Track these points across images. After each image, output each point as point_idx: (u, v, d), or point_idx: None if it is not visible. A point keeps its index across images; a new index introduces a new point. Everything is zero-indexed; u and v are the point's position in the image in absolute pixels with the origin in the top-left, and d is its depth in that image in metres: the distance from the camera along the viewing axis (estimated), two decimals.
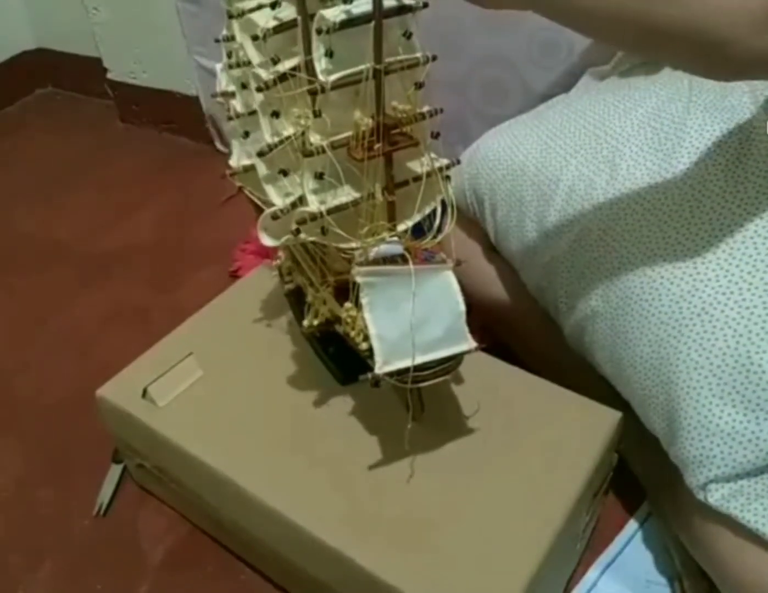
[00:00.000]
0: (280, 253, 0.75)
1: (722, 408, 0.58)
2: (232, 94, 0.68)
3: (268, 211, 0.59)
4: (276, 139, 0.57)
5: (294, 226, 0.56)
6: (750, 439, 0.57)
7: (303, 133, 0.56)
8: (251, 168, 0.68)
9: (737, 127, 0.64)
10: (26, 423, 0.97)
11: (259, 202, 0.65)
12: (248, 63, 0.63)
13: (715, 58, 0.51)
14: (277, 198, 0.60)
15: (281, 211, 0.59)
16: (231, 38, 0.65)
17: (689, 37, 0.50)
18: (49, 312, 1.16)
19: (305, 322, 0.67)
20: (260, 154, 0.58)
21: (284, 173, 0.58)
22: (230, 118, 0.68)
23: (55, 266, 1.26)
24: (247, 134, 0.67)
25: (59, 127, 1.74)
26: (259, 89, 0.56)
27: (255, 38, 0.55)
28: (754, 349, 0.57)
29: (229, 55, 0.67)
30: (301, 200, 0.58)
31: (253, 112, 0.66)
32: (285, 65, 0.55)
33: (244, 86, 0.65)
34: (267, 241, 0.60)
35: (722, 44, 0.50)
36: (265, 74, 0.56)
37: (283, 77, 0.55)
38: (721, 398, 0.58)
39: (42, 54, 1.82)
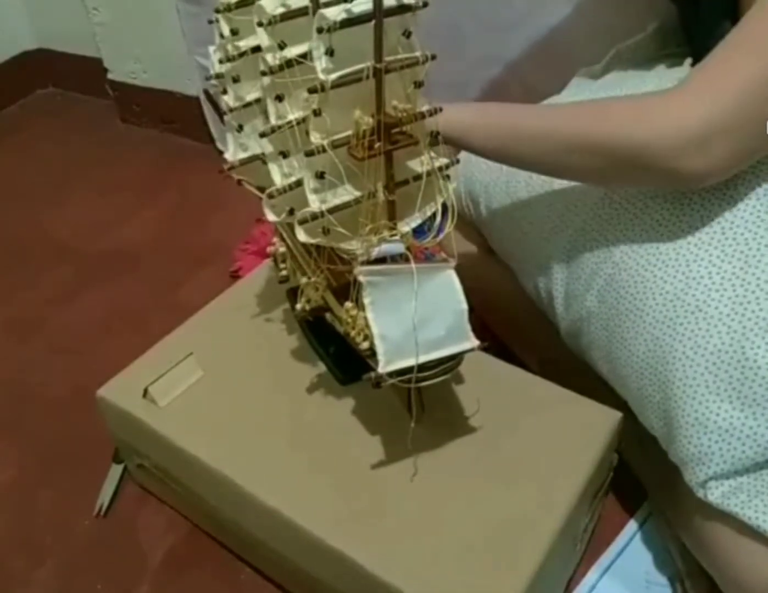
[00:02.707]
0: (275, 240, 0.75)
1: (719, 405, 0.58)
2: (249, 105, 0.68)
3: (268, 189, 0.62)
4: (280, 122, 0.58)
5: (288, 208, 0.59)
6: (748, 435, 0.57)
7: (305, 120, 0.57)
8: (248, 161, 0.69)
9: None
10: (26, 423, 0.97)
11: (258, 193, 0.66)
12: (240, 55, 0.64)
13: (670, 177, 0.58)
14: (278, 176, 0.62)
15: (277, 190, 0.61)
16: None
17: (638, 163, 0.58)
18: (49, 311, 1.16)
19: (297, 306, 0.68)
20: (262, 135, 0.60)
21: (283, 155, 0.60)
22: (224, 113, 0.69)
23: (55, 266, 1.26)
24: (240, 127, 0.68)
25: (59, 127, 1.74)
26: (263, 73, 0.57)
27: (260, 24, 0.56)
28: (748, 345, 0.57)
29: (222, 36, 0.67)
30: (299, 183, 0.60)
31: (247, 105, 0.67)
32: (292, 52, 0.55)
33: (235, 80, 0.66)
34: (271, 216, 0.63)
35: (666, 164, 0.57)
36: (271, 59, 0.56)
37: (289, 63, 0.56)
38: (717, 395, 0.58)
39: (42, 54, 1.82)
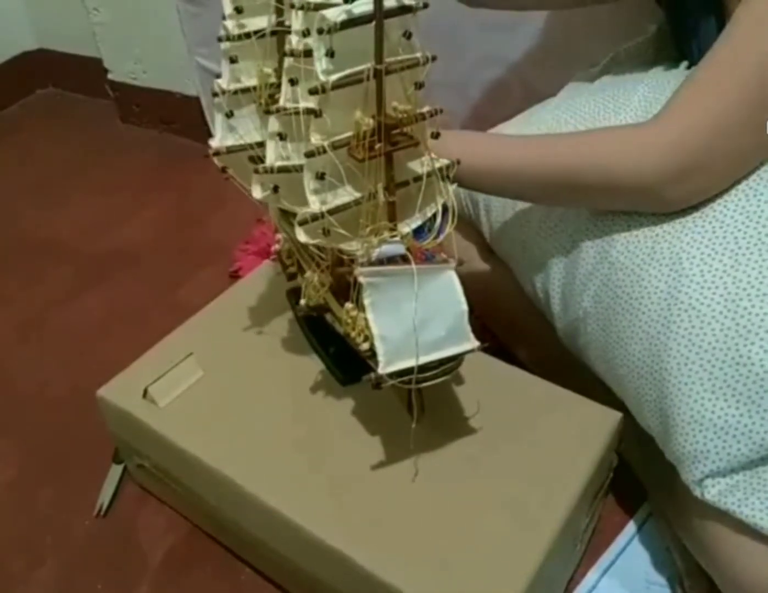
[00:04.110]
0: (279, 236, 0.75)
1: (714, 403, 0.58)
2: (245, 91, 0.66)
3: (257, 166, 0.61)
4: (288, 105, 0.58)
5: (272, 185, 0.60)
6: (743, 432, 0.57)
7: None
8: (234, 149, 0.67)
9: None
10: (26, 423, 0.97)
11: (240, 187, 0.65)
12: (241, 37, 0.63)
13: (652, 202, 0.63)
14: (272, 155, 0.61)
15: (264, 168, 0.60)
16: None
17: (622, 197, 0.64)
18: (49, 311, 1.16)
19: (301, 301, 0.68)
20: (267, 112, 0.60)
21: (280, 136, 0.60)
22: (215, 95, 0.66)
23: (55, 266, 1.26)
24: (231, 113, 0.66)
25: (59, 127, 1.74)
26: (285, 54, 0.57)
27: (292, 6, 0.56)
28: (742, 342, 0.57)
29: (220, 39, 0.65)
30: (287, 169, 0.60)
31: (246, 90, 0.65)
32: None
33: (232, 60, 0.64)
34: (257, 193, 0.63)
35: (646, 196, 0.62)
36: (296, 42, 0.56)
37: (308, 52, 0.55)
38: (712, 392, 0.58)
39: (43, 54, 1.82)
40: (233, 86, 0.65)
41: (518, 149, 0.68)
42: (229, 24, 0.64)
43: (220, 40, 0.64)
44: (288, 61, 0.57)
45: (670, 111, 0.61)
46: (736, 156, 0.60)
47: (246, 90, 0.66)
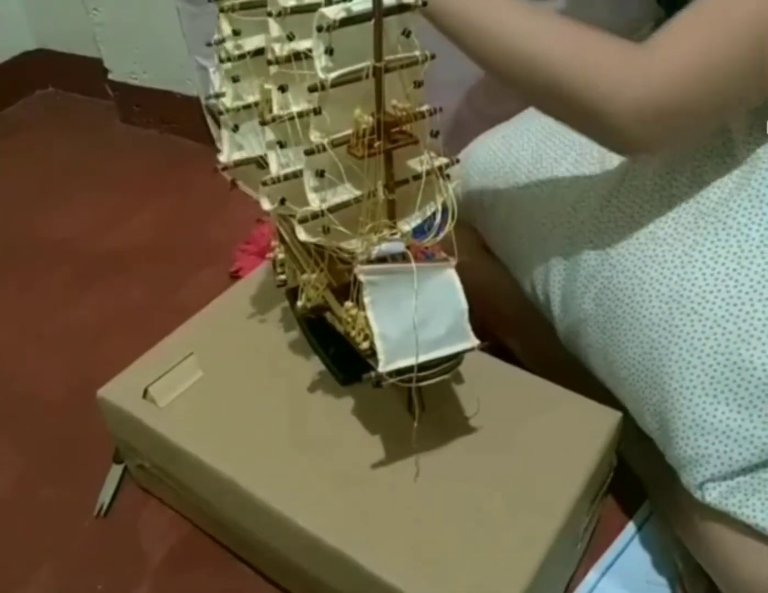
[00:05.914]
0: (274, 244, 0.75)
1: (716, 407, 0.58)
2: (247, 107, 0.68)
3: (264, 177, 0.61)
4: (282, 112, 0.58)
5: (280, 197, 0.60)
6: (744, 437, 0.57)
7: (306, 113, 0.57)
8: (242, 162, 0.69)
9: (720, 126, 0.64)
10: (27, 423, 0.97)
11: (251, 193, 0.66)
12: (241, 57, 0.65)
13: (598, 125, 0.57)
14: (275, 165, 0.62)
15: (272, 179, 0.61)
16: (221, 41, 0.66)
17: (574, 95, 0.56)
18: (49, 311, 1.16)
19: (299, 303, 0.68)
20: (263, 123, 0.60)
21: (280, 145, 0.60)
22: (221, 113, 0.68)
23: (55, 266, 1.26)
24: (236, 127, 0.68)
25: (59, 127, 1.74)
26: (269, 62, 0.57)
27: (270, 15, 0.56)
28: (744, 346, 0.57)
29: (221, 60, 0.67)
30: (294, 175, 0.60)
31: (247, 106, 0.67)
32: (300, 45, 0.55)
33: (234, 80, 0.66)
34: (266, 205, 0.63)
35: (603, 115, 0.55)
36: (278, 49, 0.56)
37: (296, 55, 0.55)
38: (714, 397, 0.58)
39: (42, 54, 1.82)
40: (236, 104, 0.67)
41: (515, 19, 0.60)
42: (229, 45, 0.65)
43: (221, 61, 0.66)
44: (272, 70, 0.57)
45: (661, 43, 0.55)
46: (716, 102, 0.55)
47: (248, 106, 0.67)
